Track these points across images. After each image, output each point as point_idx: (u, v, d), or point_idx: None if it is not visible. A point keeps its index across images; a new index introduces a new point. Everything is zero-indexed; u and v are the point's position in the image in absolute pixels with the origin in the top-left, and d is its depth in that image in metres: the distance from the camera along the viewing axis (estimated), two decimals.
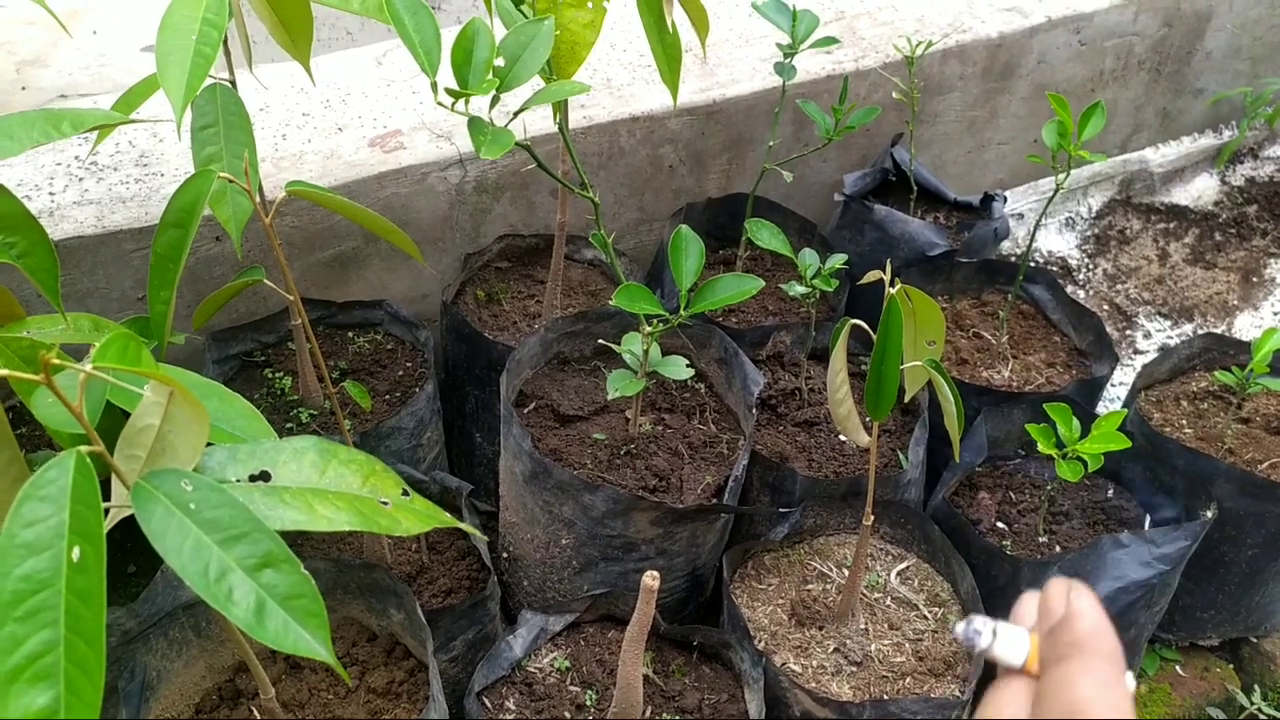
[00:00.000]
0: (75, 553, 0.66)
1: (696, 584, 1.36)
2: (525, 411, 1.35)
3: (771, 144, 1.55)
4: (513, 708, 1.18)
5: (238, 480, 0.80)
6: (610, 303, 1.11)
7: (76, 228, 1.38)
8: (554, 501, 1.23)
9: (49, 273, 0.86)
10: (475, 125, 0.94)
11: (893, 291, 1.02)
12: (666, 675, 1.23)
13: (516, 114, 1.00)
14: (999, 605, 1.27)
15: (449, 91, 0.94)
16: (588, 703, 1.18)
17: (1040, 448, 1.23)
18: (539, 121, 1.58)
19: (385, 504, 0.84)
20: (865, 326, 1.08)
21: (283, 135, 1.56)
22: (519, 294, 1.64)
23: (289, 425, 1.42)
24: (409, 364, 1.53)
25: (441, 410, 1.52)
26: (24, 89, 2.91)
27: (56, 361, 0.66)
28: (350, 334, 1.57)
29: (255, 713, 1.09)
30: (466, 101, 0.97)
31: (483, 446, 1.59)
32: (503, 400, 1.27)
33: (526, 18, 1.04)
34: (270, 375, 1.50)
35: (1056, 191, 1.41)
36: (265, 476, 0.81)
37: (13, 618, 0.65)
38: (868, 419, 1.11)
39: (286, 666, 1.13)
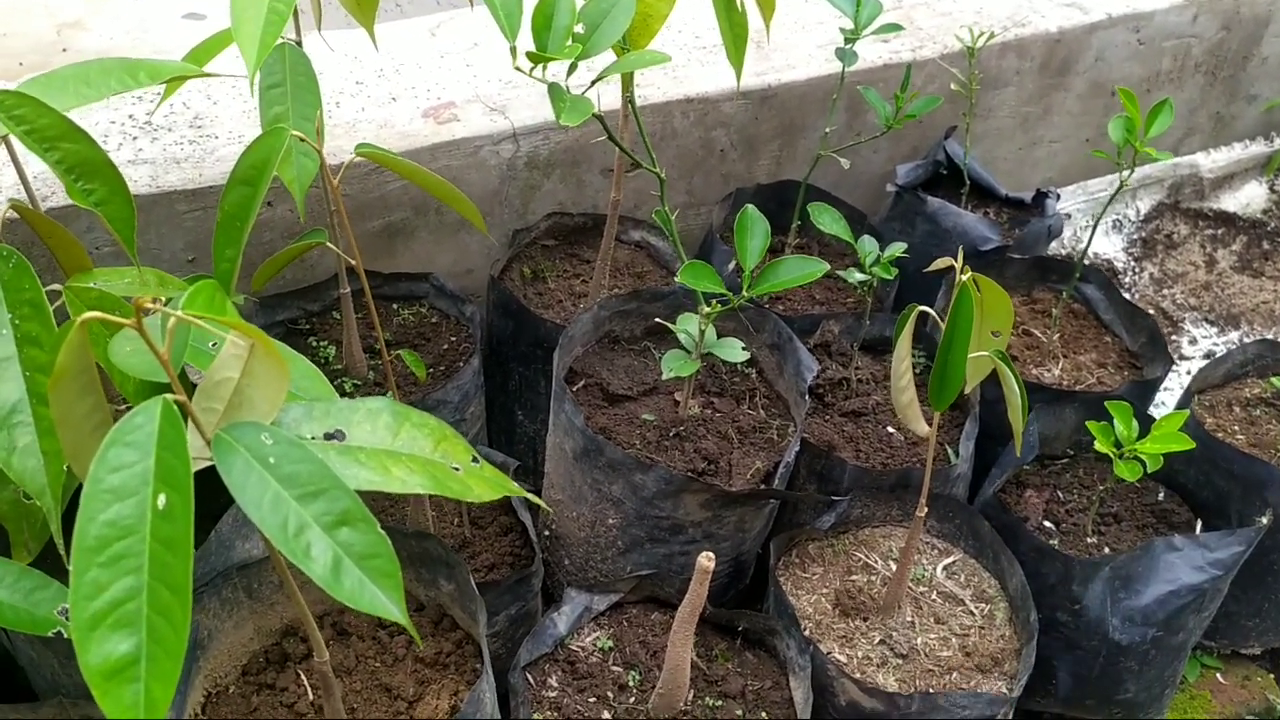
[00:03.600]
0: (161, 500, 0.66)
1: (739, 570, 1.35)
2: (575, 389, 1.34)
3: (828, 130, 1.53)
4: (555, 685, 1.17)
5: (313, 438, 0.79)
6: (676, 280, 1.10)
7: (131, 187, 1.34)
8: (603, 480, 1.22)
9: (126, 222, 0.85)
10: (555, 91, 0.93)
11: (964, 279, 1.01)
12: (710, 660, 1.22)
13: (595, 81, 0.99)
14: (1048, 604, 1.26)
15: (529, 56, 0.93)
16: (630, 683, 1.17)
17: (1098, 445, 1.21)
18: (584, 76, 1.57)
19: (456, 469, 0.83)
20: (931, 312, 1.07)
21: (336, 103, 1.55)
22: (565, 273, 1.63)
23: None
24: (453, 338, 1.52)
25: (484, 386, 1.51)
26: (64, 50, 2.90)
27: (150, 305, 0.65)
28: (395, 306, 1.56)
29: (301, 677, 1.08)
30: (544, 68, 0.96)
31: (524, 424, 1.59)
32: (555, 377, 1.26)
33: None
34: (315, 344, 1.49)
35: (1120, 188, 1.39)
36: (340, 435, 0.80)
37: (96, 563, 0.64)
38: (928, 408, 1.09)
39: (334, 633, 1.12)
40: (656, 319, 1.37)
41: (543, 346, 1.48)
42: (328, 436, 0.80)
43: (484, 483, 0.84)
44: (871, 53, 1.69)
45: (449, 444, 0.84)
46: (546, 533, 1.38)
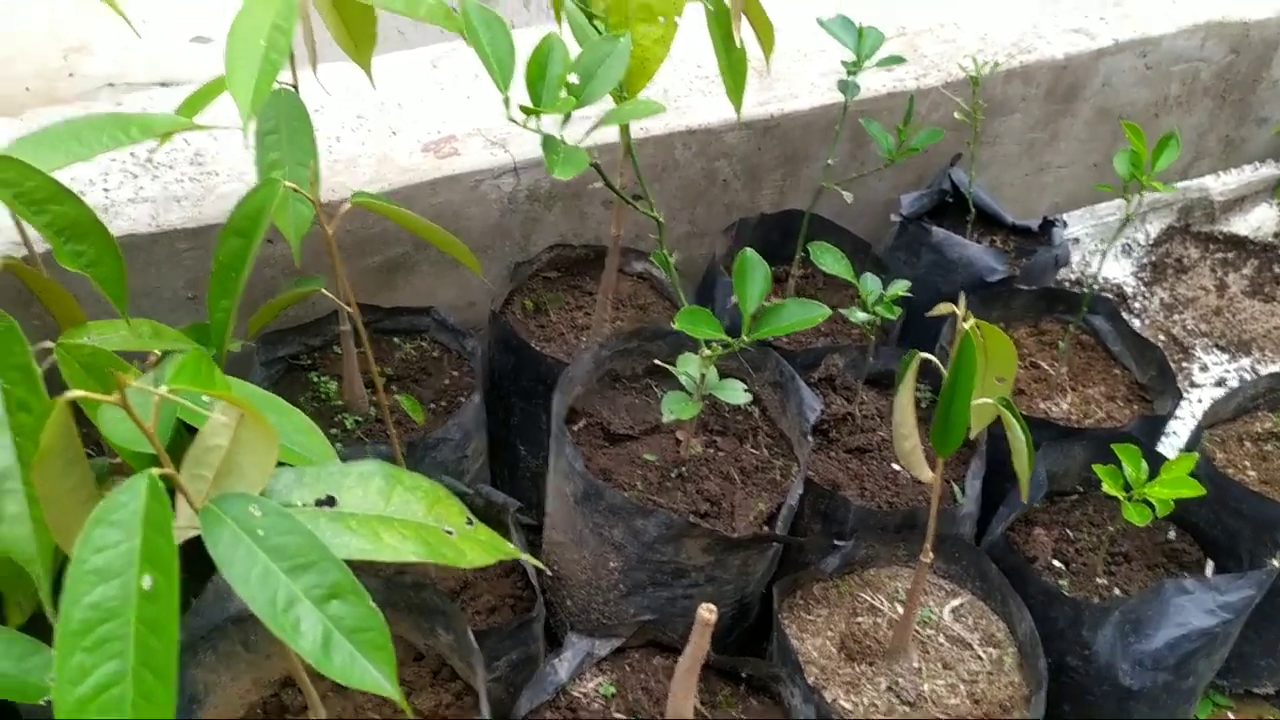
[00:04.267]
0: (146, 581, 0.65)
1: (743, 611, 1.34)
2: (575, 429, 1.32)
3: (830, 162, 1.52)
4: None
5: (304, 504, 0.78)
6: (673, 324, 1.08)
7: (131, 225, 1.37)
8: (604, 524, 1.21)
9: (117, 282, 0.85)
10: (549, 144, 0.92)
11: (966, 327, 0.99)
12: (713, 706, 1.20)
13: (589, 132, 0.98)
14: (1057, 648, 1.24)
15: (523, 109, 0.92)
16: None
17: (1106, 488, 1.20)
18: (598, 133, 1.56)
19: (450, 533, 0.82)
20: (934, 360, 1.05)
21: (337, 138, 1.54)
22: (567, 305, 1.62)
23: (333, 431, 1.40)
24: (455, 373, 1.51)
25: (486, 421, 1.50)
26: (71, 75, 2.91)
27: (134, 385, 0.64)
28: (396, 340, 1.55)
29: None
30: (538, 117, 0.95)
31: (526, 459, 1.57)
32: (554, 419, 1.25)
33: (600, 32, 1.02)
34: (316, 379, 1.49)
35: (1126, 223, 1.37)
36: (331, 501, 0.79)
37: (81, 647, 0.63)
38: (931, 453, 1.08)
39: (332, 685, 1.11)
40: (657, 359, 1.35)
41: (544, 382, 1.46)
42: (319, 503, 0.79)
43: (479, 546, 0.83)
44: (875, 81, 1.68)
45: (442, 507, 0.83)
46: (549, 574, 1.37)
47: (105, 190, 1.42)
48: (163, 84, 2.99)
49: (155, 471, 0.68)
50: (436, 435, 1.35)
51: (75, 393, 0.63)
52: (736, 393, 1.20)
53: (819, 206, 1.57)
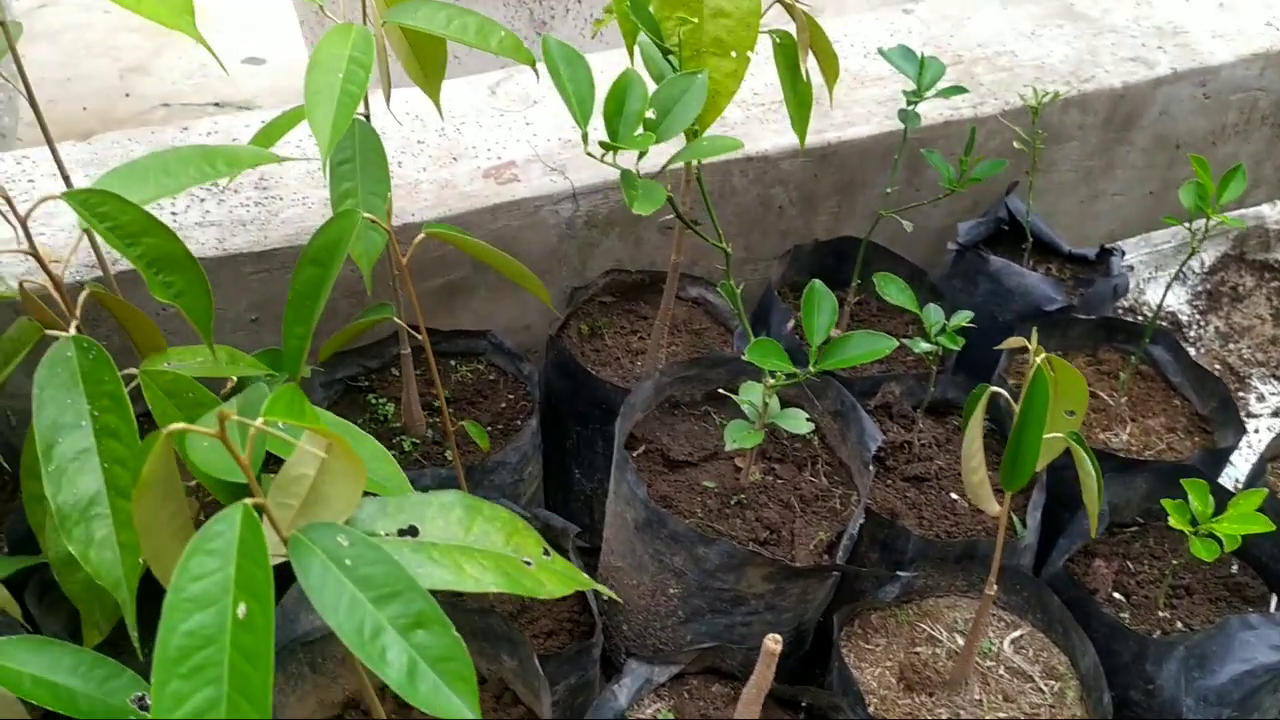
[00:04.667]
0: (241, 609, 0.66)
1: (800, 638, 1.33)
2: (635, 455, 1.33)
3: (889, 190, 1.52)
4: None
5: (386, 534, 0.79)
6: (736, 341, 1.09)
7: (198, 249, 1.39)
8: (665, 551, 1.21)
9: (204, 313, 0.86)
10: (627, 179, 0.93)
11: (1038, 361, 0.99)
12: None
13: (666, 165, 0.99)
14: (1120, 682, 1.23)
15: (602, 145, 0.93)
16: None
17: (1172, 522, 1.18)
18: (652, 157, 1.57)
19: (529, 564, 0.83)
20: (1003, 393, 1.05)
21: (398, 163, 1.57)
22: (622, 329, 1.63)
23: (392, 454, 1.42)
24: (511, 396, 1.52)
25: (541, 445, 1.51)
26: (127, 95, 2.96)
27: (234, 418, 0.66)
28: (453, 362, 1.57)
29: None
30: (615, 153, 0.96)
31: (580, 483, 1.58)
32: (616, 446, 1.26)
33: (674, 67, 1.03)
34: (374, 401, 1.50)
35: (1190, 255, 1.36)
36: (413, 531, 0.80)
37: (177, 674, 0.65)
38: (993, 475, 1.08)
39: (396, 705, 1.12)
40: (718, 387, 1.36)
41: (600, 406, 1.47)
42: (401, 533, 0.80)
43: (556, 577, 0.83)
44: (932, 110, 1.68)
45: (520, 538, 0.84)
46: (605, 598, 1.37)
47: (173, 214, 1.45)
48: (216, 104, 3.04)
49: (249, 501, 0.69)
50: (495, 459, 1.37)
51: (178, 425, 0.64)
52: (799, 422, 1.20)
53: (874, 233, 1.57)
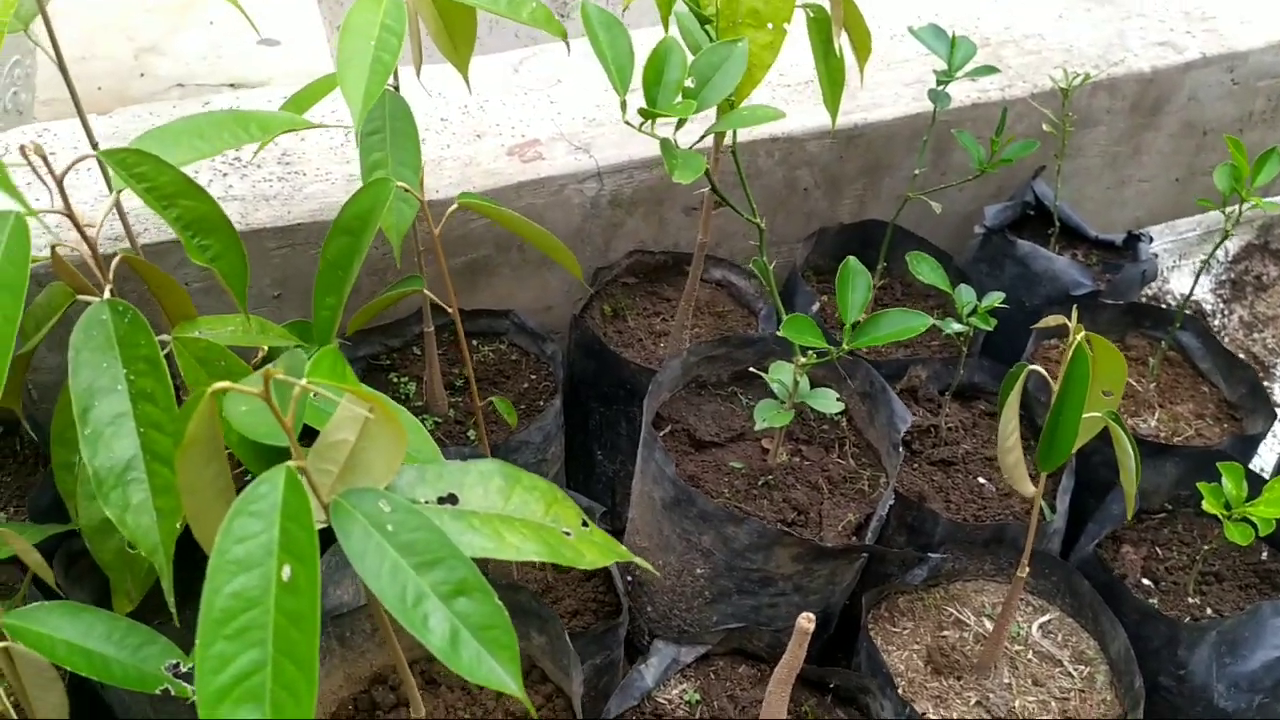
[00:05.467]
0: (286, 572, 0.65)
1: (826, 621, 1.32)
2: (662, 434, 1.32)
3: (917, 172, 1.51)
4: None
5: (426, 502, 0.78)
6: (760, 322, 1.07)
7: None
8: (693, 530, 1.20)
9: (239, 277, 0.85)
10: (667, 148, 0.92)
11: (1078, 339, 0.98)
12: (799, 717, 1.19)
13: (704, 135, 0.98)
14: (1150, 668, 1.22)
15: (641, 112, 0.91)
16: None
17: (1206, 506, 1.17)
18: (681, 137, 1.56)
19: (568, 534, 0.82)
20: (1042, 371, 1.04)
21: (421, 140, 1.54)
22: (645, 311, 1.62)
23: None
24: (533, 376, 1.51)
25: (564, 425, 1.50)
26: (142, 75, 2.95)
27: (280, 377, 0.65)
28: (476, 342, 1.56)
29: None
30: (654, 122, 0.95)
31: (603, 464, 1.57)
32: (644, 424, 1.25)
33: (711, 38, 1.01)
34: (395, 380, 1.49)
35: (1225, 238, 1.35)
36: (453, 499, 0.79)
37: (222, 635, 0.64)
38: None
39: (423, 682, 1.11)
40: (747, 366, 1.35)
41: (624, 387, 1.46)
42: (440, 501, 0.79)
43: (595, 548, 0.82)
44: (960, 91, 1.66)
45: (560, 508, 0.83)
46: (630, 579, 1.36)
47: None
48: (231, 85, 3.03)
49: (292, 464, 0.68)
50: (519, 439, 1.36)
51: (222, 384, 0.63)
52: (830, 401, 1.19)
53: (899, 217, 1.56)
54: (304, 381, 0.67)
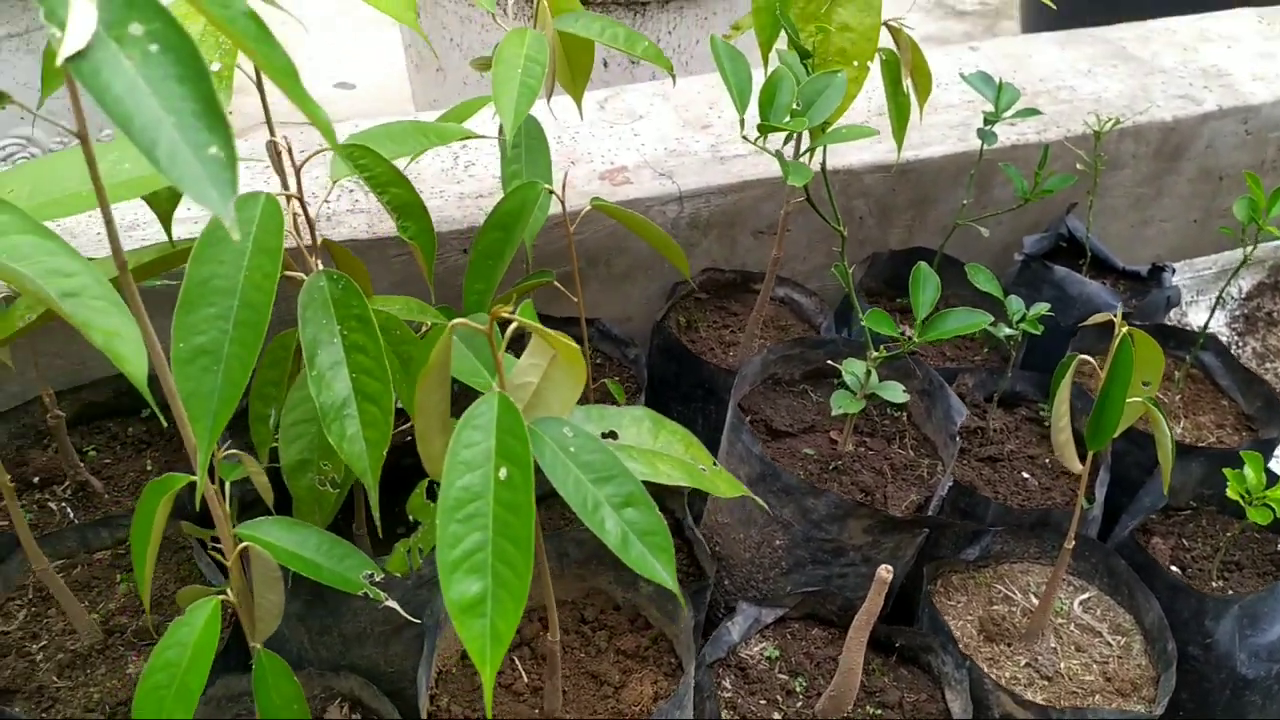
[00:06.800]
0: (502, 472, 0.81)
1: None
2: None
3: (966, 202, 1.69)
4: (729, 687, 1.30)
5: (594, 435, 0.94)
6: (840, 335, 1.24)
7: (351, 232, 1.56)
8: (775, 503, 1.36)
9: (430, 254, 1.03)
10: (780, 158, 1.09)
11: (1123, 332, 1.14)
12: (867, 673, 1.33)
13: (810, 150, 1.16)
14: (1179, 638, 1.37)
15: (760, 127, 1.09)
16: (797, 689, 1.29)
17: (1230, 491, 1.33)
18: (751, 168, 1.75)
19: (703, 470, 0.98)
20: (1092, 360, 1.20)
21: None
22: (714, 324, 1.79)
23: None
24: (618, 377, 1.68)
25: None
26: (231, 113, 3.18)
27: (505, 314, 0.82)
28: None
29: (516, 662, 1.22)
30: (765, 138, 1.13)
31: None
32: (730, 409, 1.41)
33: (807, 71, 1.20)
34: None
35: (1242, 264, 1.52)
36: (614, 436, 0.96)
37: (455, 519, 0.80)
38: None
39: (540, 626, 1.26)
40: (818, 365, 1.51)
41: (703, 387, 1.63)
42: (603, 436, 0.95)
43: (726, 482, 0.99)
44: (1001, 134, 1.84)
45: (695, 450, 0.99)
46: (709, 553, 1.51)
47: (327, 203, 1.62)
48: (310, 124, 3.24)
49: (498, 390, 0.85)
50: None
51: (460, 320, 0.80)
52: (897, 392, 1.35)
53: (945, 246, 1.73)
54: (521, 318, 0.84)
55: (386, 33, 3.39)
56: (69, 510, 1.41)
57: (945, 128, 1.88)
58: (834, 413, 1.34)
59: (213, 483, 0.92)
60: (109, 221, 0.73)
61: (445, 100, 2.67)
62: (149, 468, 1.47)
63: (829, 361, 1.48)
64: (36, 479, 1.42)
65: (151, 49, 0.58)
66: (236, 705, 1.21)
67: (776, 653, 1.33)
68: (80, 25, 0.58)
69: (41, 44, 2.00)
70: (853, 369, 1.37)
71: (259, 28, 0.66)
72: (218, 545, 0.95)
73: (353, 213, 1.60)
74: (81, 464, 1.42)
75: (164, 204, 1.02)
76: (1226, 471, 1.31)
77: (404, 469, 1.21)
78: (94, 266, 0.76)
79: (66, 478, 1.43)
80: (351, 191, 1.65)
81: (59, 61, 0.55)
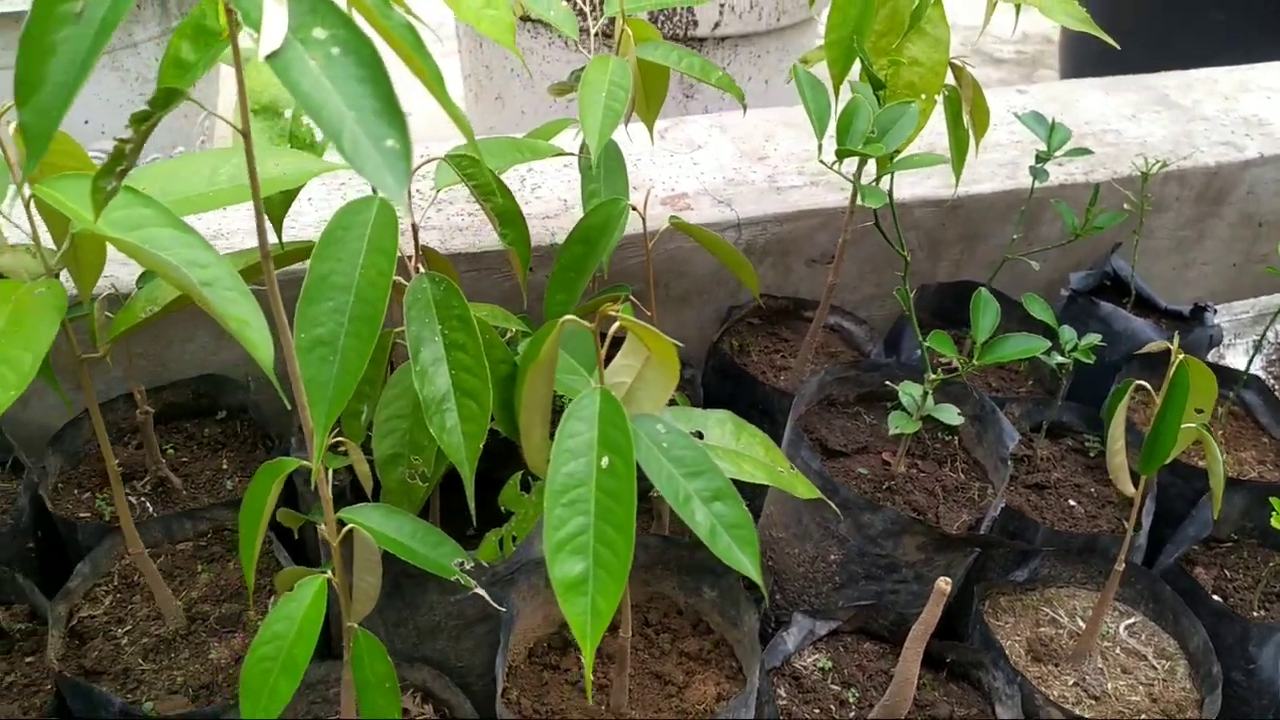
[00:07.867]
0: (604, 460, 0.86)
1: None
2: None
3: (1015, 237, 1.74)
4: (784, 695, 1.33)
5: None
6: (893, 361, 1.29)
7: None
8: (832, 518, 1.40)
9: (525, 260, 1.09)
10: (856, 182, 1.15)
11: (1179, 360, 1.19)
12: (918, 688, 1.37)
13: (883, 174, 1.22)
14: (1224, 664, 1.40)
15: (838, 152, 1.15)
16: (850, 700, 1.33)
17: (1274, 522, 1.36)
18: (807, 199, 1.81)
19: (781, 472, 1.03)
20: (1147, 386, 1.25)
21: None
22: (766, 349, 1.84)
23: None
24: (674, 394, 1.73)
25: None
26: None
27: (612, 312, 0.87)
28: None
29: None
30: (840, 162, 1.18)
31: None
32: (790, 425, 1.46)
33: (880, 102, 1.26)
34: None
35: None
36: (700, 436, 1.01)
37: (560, 503, 0.85)
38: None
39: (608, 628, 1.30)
40: (873, 388, 1.56)
41: (757, 407, 1.68)
42: (691, 435, 1.01)
43: (802, 485, 1.04)
44: (1050, 174, 1.90)
45: (774, 453, 1.04)
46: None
47: (399, 218, 1.68)
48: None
49: (597, 386, 0.90)
50: None
51: (569, 317, 0.86)
52: (952, 414, 1.40)
53: (993, 281, 1.78)
54: (622, 316, 0.89)
55: (443, 62, 3.49)
56: (148, 504, 1.46)
57: (994, 165, 1.94)
58: (891, 433, 1.39)
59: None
60: (260, 214, 0.80)
61: (502, 129, 2.76)
62: (224, 466, 1.53)
63: (885, 383, 1.53)
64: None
65: (334, 51, 0.64)
66: (311, 693, 1.26)
67: (830, 664, 1.37)
68: (273, 29, 0.64)
69: (126, 64, 2.09)
70: (910, 390, 1.41)
71: (415, 38, 0.72)
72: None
73: (424, 229, 1.67)
74: (163, 460, 1.47)
75: (277, 209, 1.09)
76: (1273, 500, 1.35)
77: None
78: (225, 260, 0.82)
79: (147, 473, 1.48)
80: (423, 209, 1.71)
81: (260, 58, 0.62)
